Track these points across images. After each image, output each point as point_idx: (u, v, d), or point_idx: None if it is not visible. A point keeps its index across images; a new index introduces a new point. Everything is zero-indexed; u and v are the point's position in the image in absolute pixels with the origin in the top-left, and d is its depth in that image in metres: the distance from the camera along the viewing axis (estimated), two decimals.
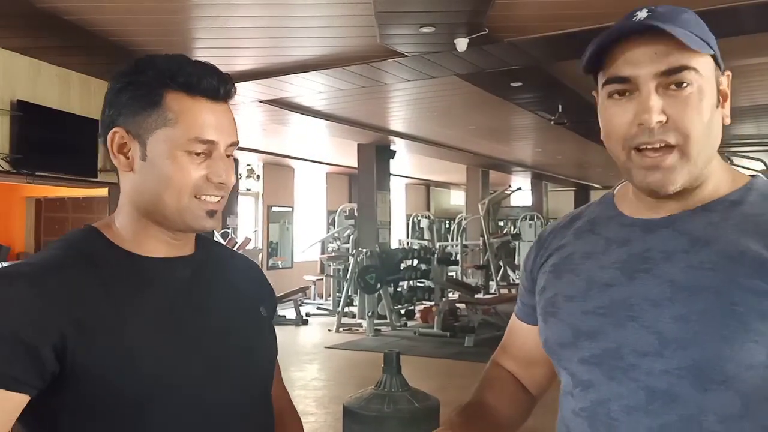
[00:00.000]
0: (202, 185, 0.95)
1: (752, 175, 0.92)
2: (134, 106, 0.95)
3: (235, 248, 10.56)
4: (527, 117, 8.59)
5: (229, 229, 11.60)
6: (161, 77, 0.95)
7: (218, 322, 1.01)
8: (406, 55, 5.26)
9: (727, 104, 0.89)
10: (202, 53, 5.53)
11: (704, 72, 0.84)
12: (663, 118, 0.83)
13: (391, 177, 11.38)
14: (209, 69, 0.97)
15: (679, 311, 0.82)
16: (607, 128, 0.89)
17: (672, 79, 0.83)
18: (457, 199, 19.40)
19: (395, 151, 10.95)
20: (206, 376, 0.96)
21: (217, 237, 10.32)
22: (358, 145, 10.49)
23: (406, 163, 13.22)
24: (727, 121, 0.88)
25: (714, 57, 0.87)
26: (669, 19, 0.84)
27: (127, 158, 0.96)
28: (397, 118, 8.97)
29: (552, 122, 7.99)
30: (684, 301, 0.82)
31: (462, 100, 7.65)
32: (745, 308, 0.79)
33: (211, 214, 0.98)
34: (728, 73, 0.90)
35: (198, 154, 0.95)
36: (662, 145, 0.84)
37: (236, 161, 11.88)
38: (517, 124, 9.28)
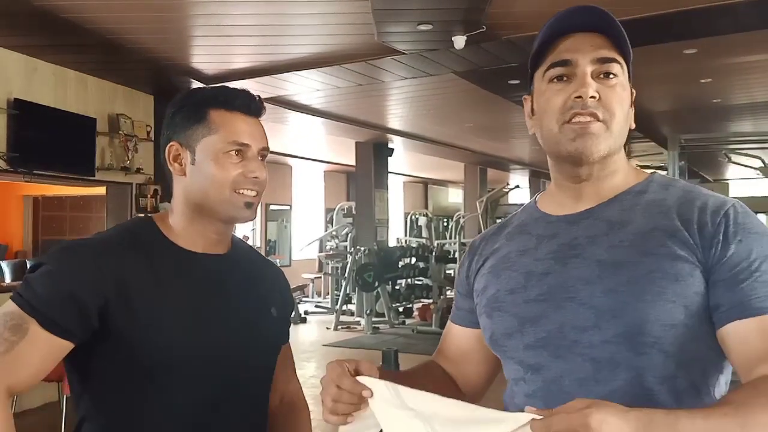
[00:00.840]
0: (240, 180, 1.17)
1: (652, 172, 1.06)
2: (185, 123, 1.20)
3: None
4: (524, 115, 8.57)
5: None
6: (205, 99, 1.20)
7: (232, 313, 1.21)
8: (404, 53, 5.26)
9: (631, 113, 1.01)
10: (198, 51, 5.52)
11: (624, 73, 0.98)
12: (597, 95, 0.95)
13: (389, 175, 11.38)
14: (243, 92, 1.22)
15: (608, 285, 0.93)
16: (543, 107, 1.00)
17: (603, 68, 0.96)
18: (455, 197, 19.41)
19: (393, 149, 10.94)
20: (213, 356, 1.16)
21: None
22: (356, 143, 10.49)
23: (404, 161, 13.22)
24: (632, 125, 1.02)
25: (629, 67, 1.00)
26: (609, 21, 0.97)
27: (181, 165, 1.20)
28: (395, 116, 8.96)
29: None
30: (611, 276, 0.93)
31: (460, 98, 7.65)
32: (660, 273, 0.91)
33: (248, 205, 1.19)
34: (634, 91, 1.02)
35: (236, 154, 1.17)
36: (589, 118, 0.96)
37: None
38: (514, 121, 9.28)
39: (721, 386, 0.96)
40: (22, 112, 5.05)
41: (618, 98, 0.96)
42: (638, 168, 1.08)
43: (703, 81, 6.81)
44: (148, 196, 6.28)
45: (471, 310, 1.13)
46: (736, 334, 0.88)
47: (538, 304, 0.98)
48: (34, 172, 5.24)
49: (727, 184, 16.52)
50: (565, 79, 0.97)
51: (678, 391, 0.91)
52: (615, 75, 0.97)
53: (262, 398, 1.28)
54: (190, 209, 1.21)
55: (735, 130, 9.80)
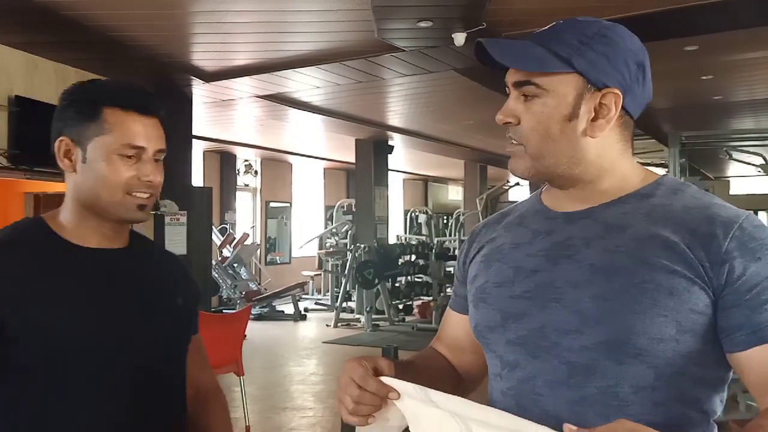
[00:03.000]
0: (133, 183, 1.16)
1: (663, 174, 1.02)
2: (77, 118, 1.17)
3: (233, 243, 10.58)
4: None
5: (227, 224, 11.60)
6: (99, 95, 1.18)
7: (133, 306, 1.20)
8: (404, 50, 5.25)
9: (603, 120, 0.95)
10: (198, 48, 5.52)
11: (551, 88, 0.95)
12: (509, 120, 0.98)
13: (389, 172, 11.37)
14: (139, 89, 1.20)
15: (597, 291, 0.90)
16: None
17: (520, 90, 0.97)
18: (455, 194, 19.40)
19: (393, 147, 10.93)
20: (113, 348, 1.15)
21: (215, 232, 10.32)
22: (356, 140, 10.47)
23: (404, 158, 13.21)
24: (595, 135, 0.96)
25: (585, 75, 0.94)
26: (541, 38, 0.97)
27: (71, 161, 1.18)
28: (395, 114, 8.95)
29: None
30: (601, 281, 0.90)
31: (460, 95, 7.64)
32: (654, 285, 0.87)
33: (141, 207, 1.19)
34: (613, 90, 0.95)
35: (129, 157, 1.16)
36: (513, 141, 0.99)
37: (234, 157, 12.09)
38: None
39: (715, 402, 0.93)
40: (23, 109, 5.04)
41: (534, 120, 0.96)
42: (648, 169, 1.03)
43: (703, 78, 6.80)
44: None
45: (466, 297, 1.12)
46: (760, 359, 0.85)
47: (523, 301, 0.97)
48: (35, 169, 5.23)
49: (728, 181, 16.50)
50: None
51: (655, 402, 0.89)
52: (533, 95, 0.96)
53: (175, 389, 1.27)
54: (80, 207, 1.19)
55: (736, 127, 9.78)
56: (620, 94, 0.95)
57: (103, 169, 1.15)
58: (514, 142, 0.98)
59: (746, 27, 4.84)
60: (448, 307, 1.22)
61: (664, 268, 0.87)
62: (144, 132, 1.16)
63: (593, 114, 0.95)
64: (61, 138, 1.18)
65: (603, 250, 0.93)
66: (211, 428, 1.36)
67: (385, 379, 0.90)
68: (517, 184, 15.85)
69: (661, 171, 1.09)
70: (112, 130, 1.14)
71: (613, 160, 0.98)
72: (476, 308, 1.05)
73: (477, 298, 1.05)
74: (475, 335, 1.06)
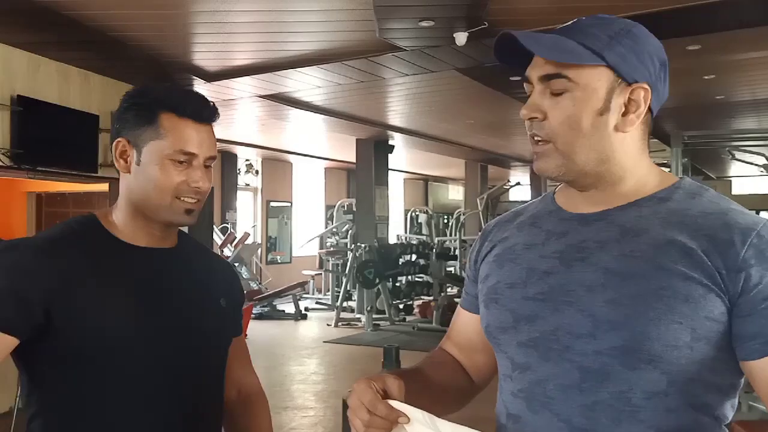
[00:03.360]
0: (182, 188, 1.19)
1: (680, 177, 1.01)
2: (135, 121, 1.20)
3: (234, 243, 10.59)
4: None
5: (228, 223, 11.61)
6: (157, 100, 1.20)
7: (178, 303, 1.23)
8: (405, 50, 5.25)
9: (633, 115, 0.94)
10: (200, 48, 5.52)
11: (582, 81, 0.93)
12: (536, 116, 0.95)
13: (390, 172, 11.37)
14: (196, 97, 1.23)
15: (611, 295, 0.89)
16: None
17: (550, 84, 0.94)
18: (455, 194, 19.39)
19: (393, 146, 10.93)
20: (158, 346, 1.18)
21: (217, 231, 10.32)
22: (357, 140, 10.48)
23: (405, 158, 13.20)
24: (626, 130, 0.95)
25: (615, 69, 0.93)
26: (568, 33, 0.95)
27: (126, 162, 1.21)
28: (396, 113, 8.95)
29: None
30: (616, 286, 0.89)
31: (461, 95, 7.64)
32: (670, 292, 0.86)
33: (188, 212, 1.21)
34: (641, 85, 0.94)
35: (181, 163, 1.18)
36: (538, 138, 0.96)
37: (235, 156, 12.09)
38: (516, 118, 9.24)
39: (726, 408, 0.93)
40: (26, 108, 5.04)
41: (563, 115, 0.93)
42: (664, 171, 1.03)
43: (706, 77, 6.80)
44: None
45: (477, 296, 1.11)
46: None
47: (536, 303, 0.96)
48: (38, 168, 5.24)
49: (730, 181, 16.49)
50: (529, 92, 0.98)
51: (667, 408, 0.88)
52: (562, 90, 0.93)
53: (214, 388, 1.29)
54: (131, 207, 1.22)
55: (738, 127, 9.77)
56: (649, 89, 0.94)
57: (156, 172, 1.18)
58: (539, 140, 0.96)
59: (749, 26, 4.84)
60: (458, 307, 1.20)
61: (681, 275, 0.87)
62: (197, 139, 1.19)
63: (624, 109, 0.94)
64: (118, 139, 1.22)
65: (618, 254, 0.91)
66: (252, 430, 1.40)
67: (395, 404, 0.90)
68: (518, 183, 15.87)
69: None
70: (167, 135, 1.17)
71: (635, 159, 0.97)
72: (488, 308, 1.04)
73: (489, 299, 1.04)
74: (486, 336, 1.05)
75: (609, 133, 0.94)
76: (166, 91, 1.23)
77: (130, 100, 1.22)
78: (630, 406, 0.88)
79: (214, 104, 1.24)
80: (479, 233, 1.17)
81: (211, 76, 6.11)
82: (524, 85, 0.98)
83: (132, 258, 1.22)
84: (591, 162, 0.95)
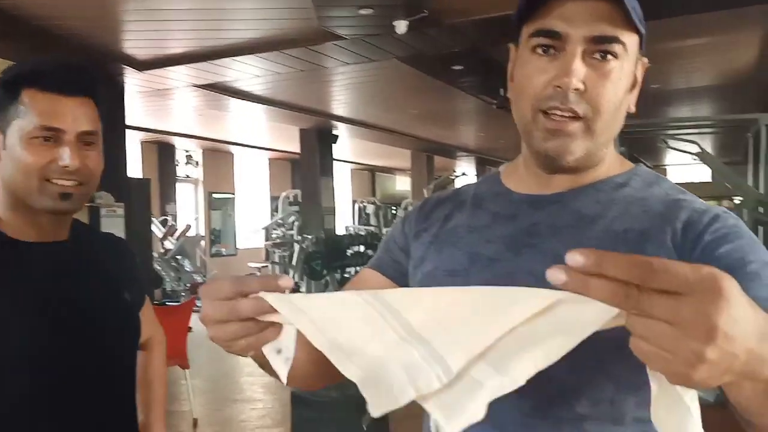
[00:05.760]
0: (51, 169, 1.07)
1: (636, 164, 0.92)
2: (0, 102, 1.09)
3: (175, 235, 10.33)
4: (469, 101, 8.60)
5: (168, 216, 11.33)
6: (18, 77, 1.09)
7: (78, 304, 1.14)
8: (345, 38, 5.16)
9: (636, 92, 0.86)
10: (131, 36, 5.30)
11: (630, 50, 0.80)
12: (581, 87, 0.78)
13: (335, 162, 11.27)
14: (66, 68, 1.12)
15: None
16: (521, 83, 0.83)
17: (600, 48, 0.78)
18: (402, 184, 19.43)
19: (338, 136, 10.83)
20: (61, 349, 1.09)
21: (157, 224, 10.04)
22: (300, 130, 10.33)
23: (350, 148, 13.13)
24: (632, 108, 0.86)
25: (641, 39, 0.83)
26: None
27: None
28: (339, 103, 8.85)
29: (494, 106, 8.01)
30: None
31: (404, 84, 7.59)
32: None
33: (63, 196, 1.08)
34: (645, 60, 0.86)
35: (46, 140, 1.07)
36: (570, 115, 0.79)
37: (173, 147, 11.78)
38: (459, 108, 9.29)
39: None
40: None
41: (611, 89, 0.79)
42: (621, 156, 0.93)
43: None
44: None
45: (399, 262, 0.98)
46: None
47: None
48: None
49: (666, 170, 17.05)
50: (551, 52, 0.79)
51: (614, 418, 0.79)
52: (614, 57, 0.79)
53: (120, 389, 1.21)
54: (11, 197, 1.11)
55: (673, 116, 10.05)
56: (647, 63, 0.85)
57: (19, 153, 1.06)
58: (570, 116, 0.79)
59: (682, 14, 4.93)
60: (363, 270, 1.03)
61: None
62: (62, 112, 1.07)
63: (633, 85, 0.85)
64: None
65: (572, 242, 0.81)
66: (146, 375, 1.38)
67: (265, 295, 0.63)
68: (464, 174, 16.01)
69: None
70: (28, 112, 1.06)
71: (611, 146, 0.89)
72: None
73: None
74: None
75: (624, 113, 0.84)
76: (32, 64, 1.11)
77: None
78: (572, 414, 0.78)
79: (91, 74, 1.13)
80: (417, 205, 1.03)
81: (143, 65, 5.88)
82: (536, 40, 0.80)
83: (20, 256, 1.10)
84: (606, 145, 0.85)
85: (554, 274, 0.51)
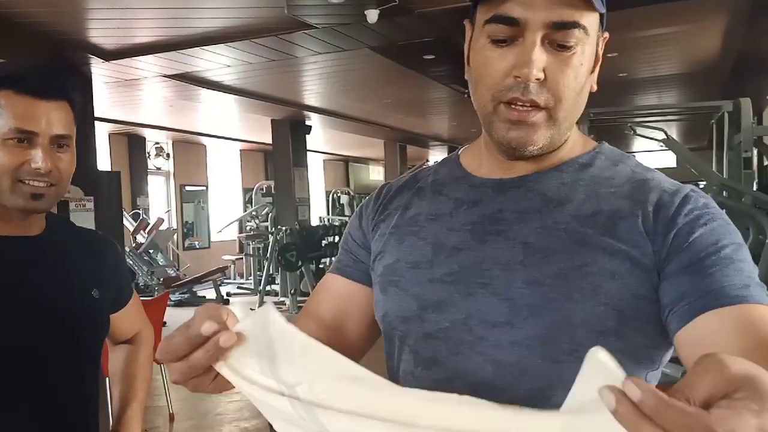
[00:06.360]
0: (24, 170, 1.10)
1: (600, 142, 0.90)
2: None
3: (146, 229, 10.20)
4: (441, 90, 8.62)
5: (139, 209, 11.20)
6: None
7: (41, 296, 1.15)
8: (316, 27, 5.13)
9: (597, 70, 0.83)
10: (96, 24, 5.20)
11: (591, 32, 0.78)
12: (542, 76, 0.76)
13: (308, 153, 11.22)
14: (44, 71, 1.14)
15: (531, 275, 0.77)
16: (479, 71, 0.80)
17: (559, 35, 0.75)
18: (376, 174, 19.42)
19: (311, 127, 10.78)
20: (20, 339, 1.11)
21: (128, 217, 9.92)
22: (272, 120, 10.25)
23: (323, 138, 13.08)
24: (594, 88, 0.83)
25: (602, 16, 0.80)
26: None
27: None
28: (311, 93, 8.80)
29: (466, 95, 8.04)
30: (537, 264, 0.77)
31: (376, 74, 7.58)
32: (595, 268, 0.75)
33: (35, 197, 1.12)
34: (606, 35, 0.83)
35: (20, 142, 1.10)
36: (530, 106, 0.77)
37: (143, 139, 11.62)
38: (431, 97, 9.31)
39: None
40: None
41: (572, 76, 0.77)
42: (584, 135, 0.90)
43: (609, 55, 7.01)
44: None
45: (361, 261, 0.94)
46: (709, 327, 0.70)
47: (444, 285, 0.81)
48: None
49: (634, 156, 17.30)
50: (509, 39, 0.76)
51: None
52: (575, 43, 0.76)
53: (85, 388, 1.23)
54: None
55: (640, 103, 10.21)
56: (607, 37, 0.82)
57: None
58: (527, 107, 0.77)
59: (648, 3, 5.00)
60: (325, 277, 0.98)
61: (608, 248, 0.76)
62: (36, 115, 1.10)
63: (595, 64, 0.81)
64: None
65: (540, 227, 0.79)
66: (128, 369, 1.40)
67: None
68: (436, 162, 16.04)
69: None
70: (3, 114, 1.10)
71: (574, 128, 0.85)
72: (385, 293, 0.87)
73: (387, 281, 0.86)
74: (384, 326, 0.88)
75: (587, 94, 0.81)
76: (11, 67, 1.15)
77: None
78: (549, 405, 0.78)
79: (67, 78, 1.16)
80: (372, 195, 0.98)
81: (109, 55, 5.79)
82: (492, 27, 0.77)
83: None
84: (569, 129, 0.82)
85: (608, 397, 0.43)
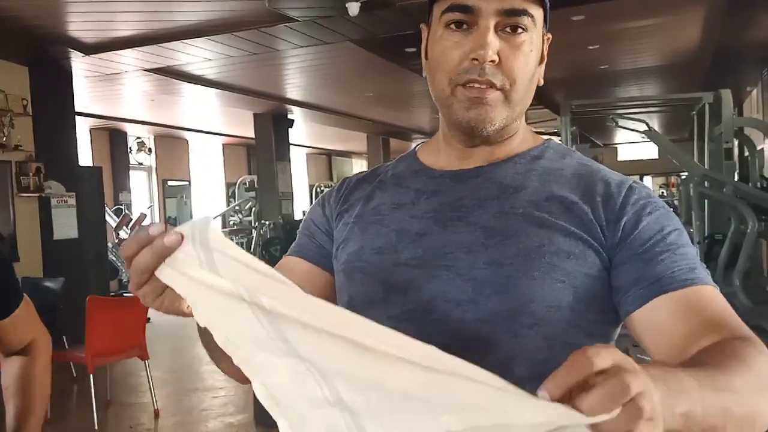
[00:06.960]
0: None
1: (547, 138, 0.96)
2: None
3: (130, 225, 10.11)
4: (423, 83, 8.36)
5: (122, 205, 11.09)
6: None
7: None
8: (298, 20, 5.12)
9: (543, 66, 0.90)
10: (76, 18, 5.14)
11: (538, 23, 0.85)
12: (496, 59, 0.82)
13: (291, 147, 11.19)
14: None
15: (492, 256, 0.82)
16: (437, 58, 0.86)
17: (510, 21, 0.82)
18: (359, 167, 19.42)
19: (293, 120, 10.75)
20: None
21: (110, 213, 9.83)
22: (254, 114, 10.21)
23: (306, 132, 13.05)
24: (542, 81, 0.90)
25: (545, 13, 0.86)
26: None
27: None
28: (293, 86, 8.77)
29: None
30: (497, 245, 0.82)
31: (357, 67, 7.57)
32: (553, 248, 0.81)
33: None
34: (549, 36, 0.90)
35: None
36: (485, 85, 0.83)
37: (124, 134, 11.51)
38: (413, 90, 9.32)
39: None
40: None
41: (523, 60, 0.83)
42: (534, 132, 0.97)
43: (591, 47, 7.06)
44: (31, 174, 5.86)
45: (323, 247, 0.96)
46: (659, 311, 0.78)
47: (409, 269, 0.85)
48: None
49: (616, 148, 17.41)
50: (464, 27, 0.83)
51: (543, 377, 0.83)
52: (523, 29, 0.83)
53: None
54: None
55: (622, 95, 10.28)
56: (551, 38, 0.89)
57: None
58: (483, 86, 0.83)
59: None
60: (285, 258, 0.99)
61: (563, 230, 0.82)
62: None
63: (542, 59, 0.89)
64: None
65: (498, 212, 0.85)
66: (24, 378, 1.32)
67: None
68: None
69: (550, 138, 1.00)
70: None
71: (523, 119, 0.92)
72: (350, 279, 0.90)
73: (352, 267, 0.90)
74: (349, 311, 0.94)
75: (535, 85, 0.88)
76: None
77: None
78: (513, 376, 0.81)
79: None
80: (334, 187, 1.02)
81: (89, 49, 5.72)
82: (449, 16, 0.83)
83: None
84: (520, 116, 0.89)
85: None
